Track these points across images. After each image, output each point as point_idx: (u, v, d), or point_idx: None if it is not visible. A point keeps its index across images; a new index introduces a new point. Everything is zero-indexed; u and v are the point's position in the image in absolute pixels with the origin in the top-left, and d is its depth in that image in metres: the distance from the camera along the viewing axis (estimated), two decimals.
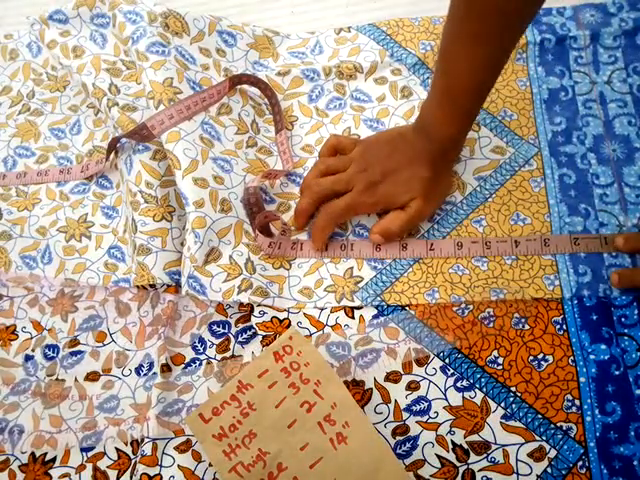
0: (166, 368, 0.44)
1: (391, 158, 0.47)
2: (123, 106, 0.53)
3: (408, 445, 0.41)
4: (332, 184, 0.48)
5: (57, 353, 0.47)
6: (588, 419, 0.40)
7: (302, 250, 0.48)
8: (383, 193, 0.46)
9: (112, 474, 0.42)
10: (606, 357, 0.41)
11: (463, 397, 0.42)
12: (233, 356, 0.45)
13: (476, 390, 0.42)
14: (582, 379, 0.41)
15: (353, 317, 0.45)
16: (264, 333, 0.44)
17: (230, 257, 0.46)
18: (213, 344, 0.45)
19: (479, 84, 0.43)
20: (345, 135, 0.53)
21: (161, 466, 0.41)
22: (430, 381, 0.42)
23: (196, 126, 0.49)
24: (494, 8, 0.37)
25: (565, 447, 0.39)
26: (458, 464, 0.40)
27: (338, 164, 0.49)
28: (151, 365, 0.45)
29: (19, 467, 0.43)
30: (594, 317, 0.43)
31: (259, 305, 0.45)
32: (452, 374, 0.42)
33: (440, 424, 0.41)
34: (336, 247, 0.48)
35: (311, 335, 0.45)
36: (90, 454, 0.43)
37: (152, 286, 0.47)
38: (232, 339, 0.45)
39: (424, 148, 0.46)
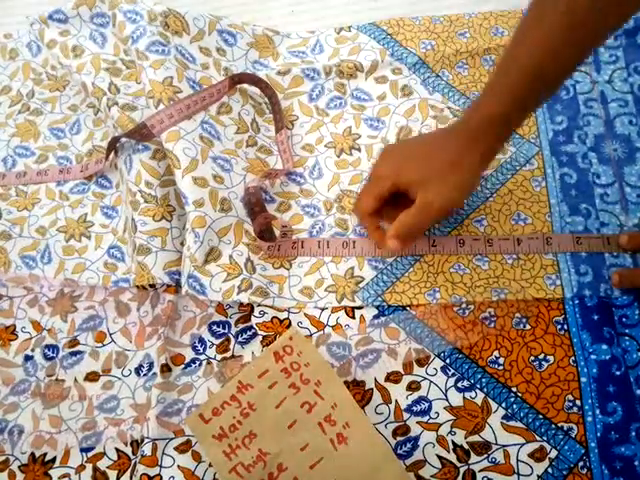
0: (166, 368, 0.44)
1: (420, 139, 0.46)
2: (123, 105, 0.52)
3: (409, 445, 0.41)
4: (364, 192, 0.46)
5: (57, 353, 0.47)
6: (589, 419, 0.40)
7: (303, 248, 0.48)
8: (415, 166, 0.42)
9: (112, 474, 0.42)
10: (607, 357, 0.41)
11: (464, 397, 0.42)
12: (233, 356, 0.44)
13: (477, 390, 0.42)
14: (583, 379, 0.41)
15: (354, 317, 0.45)
16: (264, 333, 0.44)
17: (230, 257, 0.46)
18: (213, 344, 0.45)
19: (538, 69, 0.37)
20: None
21: (161, 466, 0.41)
22: (431, 381, 0.42)
23: (196, 125, 0.49)
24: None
25: (566, 447, 0.39)
26: (459, 464, 0.40)
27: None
28: (151, 365, 0.45)
29: (19, 467, 0.43)
30: (595, 317, 0.43)
31: (259, 305, 0.45)
32: (453, 374, 0.42)
33: (441, 424, 0.41)
34: (338, 245, 0.48)
35: (311, 335, 0.45)
36: (90, 454, 0.43)
37: (152, 286, 0.47)
38: (232, 339, 0.45)
39: (457, 127, 0.42)
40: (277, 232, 0.48)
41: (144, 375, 0.45)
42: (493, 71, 0.41)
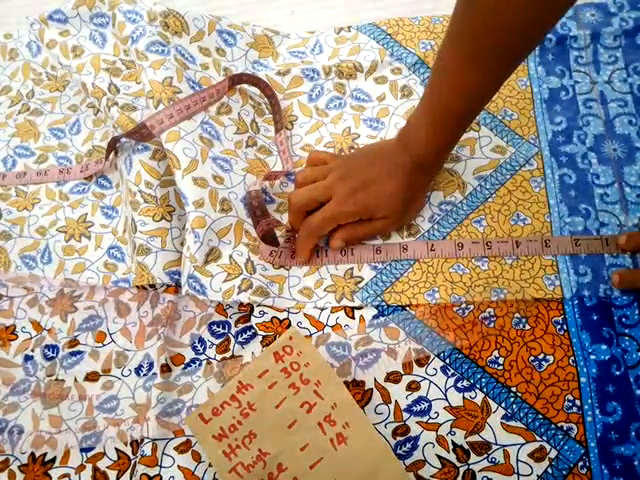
0: (166, 368, 0.44)
1: (372, 167, 0.46)
2: (123, 106, 0.52)
3: (408, 445, 0.41)
4: (309, 192, 0.46)
5: (57, 353, 0.47)
6: (589, 419, 0.40)
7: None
8: (364, 204, 0.45)
9: (112, 474, 0.42)
10: (607, 357, 0.41)
11: (463, 397, 0.42)
12: (233, 356, 0.44)
13: (476, 390, 0.42)
14: (583, 379, 0.41)
15: (353, 317, 0.45)
16: (264, 333, 0.44)
17: (230, 257, 0.46)
18: (213, 344, 0.45)
19: (464, 109, 0.42)
20: (325, 150, 0.53)
21: (161, 467, 0.41)
22: (430, 381, 0.42)
23: (196, 125, 0.49)
24: (496, 30, 0.36)
25: (566, 447, 0.39)
26: (458, 464, 0.40)
27: (315, 173, 0.48)
28: (151, 365, 0.45)
29: (19, 467, 0.43)
30: (595, 317, 0.43)
31: (259, 305, 0.45)
32: (452, 374, 0.42)
33: (440, 424, 0.41)
34: (336, 252, 0.48)
35: (311, 335, 0.45)
36: (90, 454, 0.43)
37: (152, 286, 0.47)
38: (232, 339, 0.45)
39: (404, 162, 0.45)
40: (279, 234, 0.48)
41: (144, 375, 0.45)
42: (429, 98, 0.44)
